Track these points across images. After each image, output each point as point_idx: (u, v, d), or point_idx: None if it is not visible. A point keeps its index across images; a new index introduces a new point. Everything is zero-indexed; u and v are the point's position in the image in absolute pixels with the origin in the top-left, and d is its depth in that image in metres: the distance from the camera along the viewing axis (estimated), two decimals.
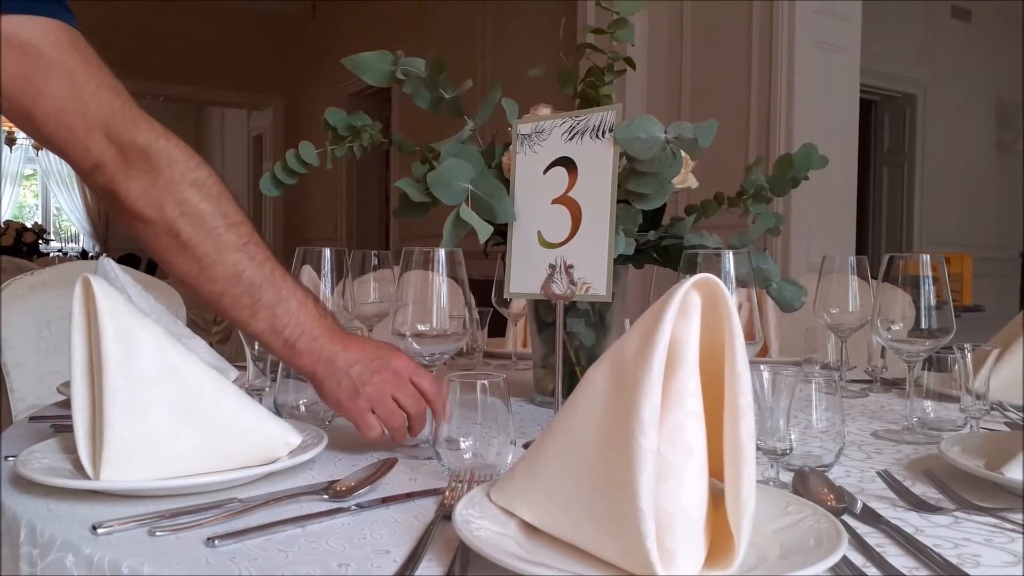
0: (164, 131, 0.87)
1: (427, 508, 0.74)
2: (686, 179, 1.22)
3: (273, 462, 0.81)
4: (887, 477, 0.83)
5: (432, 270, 0.99)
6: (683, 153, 1.09)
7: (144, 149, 0.84)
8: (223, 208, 0.88)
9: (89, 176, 0.85)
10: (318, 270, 1.21)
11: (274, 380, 1.07)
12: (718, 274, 0.81)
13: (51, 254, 9.09)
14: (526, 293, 1.10)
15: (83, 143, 0.83)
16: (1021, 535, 0.68)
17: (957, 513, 0.74)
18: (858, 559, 0.61)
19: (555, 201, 1.08)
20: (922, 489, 0.82)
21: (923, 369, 1.10)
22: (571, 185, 1.06)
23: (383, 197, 7.53)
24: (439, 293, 0.99)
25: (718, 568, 0.56)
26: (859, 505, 0.74)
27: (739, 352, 0.57)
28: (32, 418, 1.14)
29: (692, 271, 0.86)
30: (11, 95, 0.80)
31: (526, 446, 0.85)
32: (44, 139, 0.84)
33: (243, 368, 1.17)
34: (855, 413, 1.24)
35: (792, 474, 0.80)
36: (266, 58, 8.19)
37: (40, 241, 8.94)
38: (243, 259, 0.88)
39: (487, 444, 0.81)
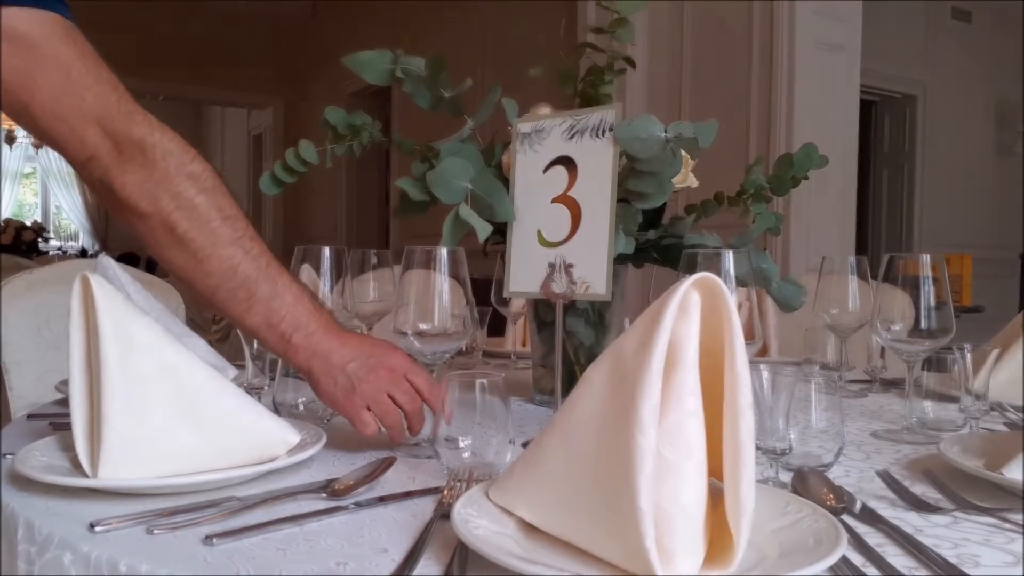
0: (160, 125, 0.86)
1: (426, 507, 0.74)
2: (686, 179, 1.22)
3: (271, 460, 0.81)
4: (886, 477, 0.83)
5: (434, 269, 0.99)
6: (683, 153, 1.09)
7: (139, 142, 0.84)
8: (218, 202, 0.88)
9: (84, 169, 0.85)
10: (317, 269, 1.21)
11: (273, 379, 1.07)
12: (718, 273, 0.81)
13: (50, 252, 9.09)
14: (525, 292, 1.10)
15: (78, 136, 0.83)
16: (1020, 535, 0.68)
17: (956, 513, 0.74)
18: (857, 559, 0.61)
19: (555, 200, 1.07)
20: (921, 489, 0.82)
21: (923, 369, 1.10)
22: (571, 184, 1.06)
23: (383, 196, 7.53)
24: (441, 292, 0.99)
25: (717, 568, 0.56)
26: (858, 505, 0.74)
27: (739, 351, 0.57)
28: (30, 416, 1.14)
29: (692, 270, 0.86)
30: (9, 88, 0.80)
31: (525, 445, 0.84)
32: (41, 133, 0.84)
33: (242, 367, 1.17)
34: (854, 413, 1.24)
35: (791, 474, 0.80)
36: (266, 58, 8.19)
37: (39, 239, 8.94)
38: (238, 253, 0.88)
39: (486, 443, 0.81)
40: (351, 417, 0.91)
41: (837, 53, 3.50)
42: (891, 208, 6.37)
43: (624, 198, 1.11)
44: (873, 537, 0.67)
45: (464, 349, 1.65)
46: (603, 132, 1.03)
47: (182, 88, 8.04)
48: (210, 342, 0.99)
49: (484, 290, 1.50)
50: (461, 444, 0.81)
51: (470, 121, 1.24)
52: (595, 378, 0.60)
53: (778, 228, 1.25)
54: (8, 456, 0.83)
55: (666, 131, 1.03)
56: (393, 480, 0.82)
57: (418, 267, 0.99)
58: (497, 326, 1.95)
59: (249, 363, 1.14)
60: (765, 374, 0.82)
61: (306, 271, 1.20)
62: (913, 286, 1.07)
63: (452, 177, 1.12)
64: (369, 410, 0.91)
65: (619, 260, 1.18)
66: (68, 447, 0.81)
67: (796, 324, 1.75)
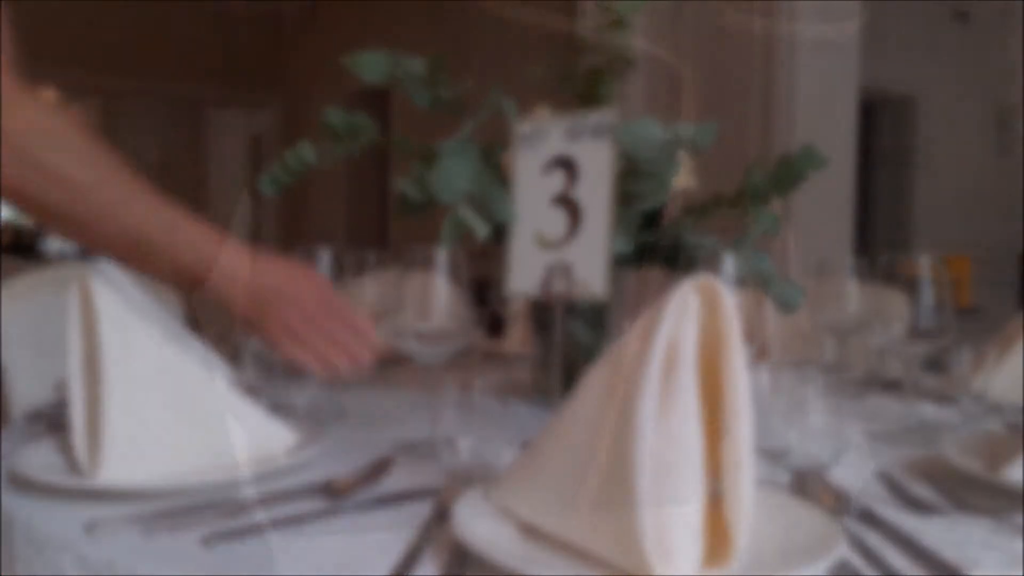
0: (24, 90, 0.80)
1: (424, 508, 0.74)
2: (685, 180, 1.22)
3: (270, 462, 0.81)
4: (885, 478, 0.83)
5: (433, 270, 0.99)
6: (682, 154, 1.09)
7: None
8: (96, 163, 0.83)
9: None
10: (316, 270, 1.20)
11: (272, 379, 1.07)
12: (717, 275, 0.81)
13: (49, 253, 9.08)
14: (524, 293, 1.10)
15: None
16: (1020, 536, 0.68)
17: (955, 514, 0.74)
18: (856, 560, 0.61)
19: (554, 201, 1.07)
20: (920, 490, 0.82)
21: (922, 370, 1.10)
22: (570, 185, 1.06)
23: (382, 197, 7.53)
24: (440, 293, 0.99)
25: (716, 568, 0.56)
26: (857, 506, 0.74)
27: (738, 353, 0.57)
28: (29, 417, 1.14)
29: (691, 272, 0.86)
30: None
31: (524, 446, 0.84)
32: None
33: (241, 367, 1.17)
34: (853, 414, 1.23)
35: (790, 475, 0.80)
36: (265, 58, 8.18)
37: (39, 240, 8.93)
38: (130, 212, 0.85)
39: (485, 444, 0.81)
40: (271, 342, 0.90)
41: (837, 53, 3.50)
42: (890, 209, 6.37)
43: (623, 199, 1.11)
44: (872, 538, 0.67)
45: (463, 350, 1.65)
46: (602, 133, 1.03)
47: (180, 88, 8.02)
48: (208, 342, 0.99)
49: (483, 291, 1.50)
50: (460, 445, 0.81)
51: (470, 121, 1.24)
52: (594, 379, 0.60)
53: (776, 229, 1.25)
54: (6, 457, 0.83)
55: (665, 132, 1.03)
56: (392, 481, 0.82)
57: (417, 268, 0.99)
58: (496, 327, 1.94)
59: (248, 363, 1.14)
60: (764, 375, 0.82)
61: None
62: (912, 287, 1.07)
63: (451, 177, 1.11)
64: (294, 337, 0.89)
65: (618, 261, 1.18)
66: (66, 448, 0.81)
67: (795, 325, 1.75)
